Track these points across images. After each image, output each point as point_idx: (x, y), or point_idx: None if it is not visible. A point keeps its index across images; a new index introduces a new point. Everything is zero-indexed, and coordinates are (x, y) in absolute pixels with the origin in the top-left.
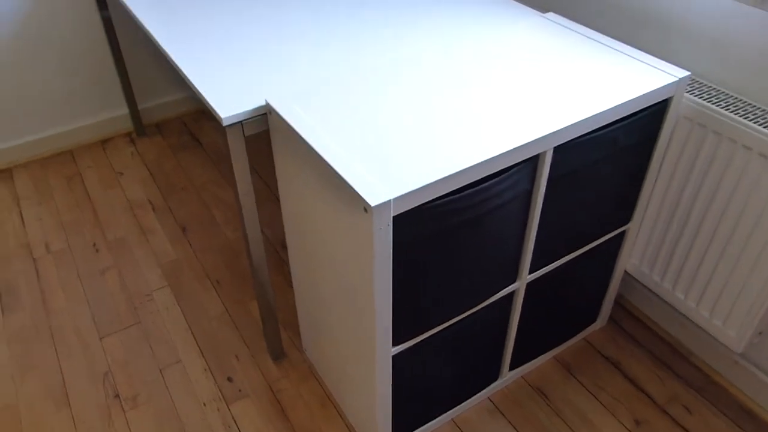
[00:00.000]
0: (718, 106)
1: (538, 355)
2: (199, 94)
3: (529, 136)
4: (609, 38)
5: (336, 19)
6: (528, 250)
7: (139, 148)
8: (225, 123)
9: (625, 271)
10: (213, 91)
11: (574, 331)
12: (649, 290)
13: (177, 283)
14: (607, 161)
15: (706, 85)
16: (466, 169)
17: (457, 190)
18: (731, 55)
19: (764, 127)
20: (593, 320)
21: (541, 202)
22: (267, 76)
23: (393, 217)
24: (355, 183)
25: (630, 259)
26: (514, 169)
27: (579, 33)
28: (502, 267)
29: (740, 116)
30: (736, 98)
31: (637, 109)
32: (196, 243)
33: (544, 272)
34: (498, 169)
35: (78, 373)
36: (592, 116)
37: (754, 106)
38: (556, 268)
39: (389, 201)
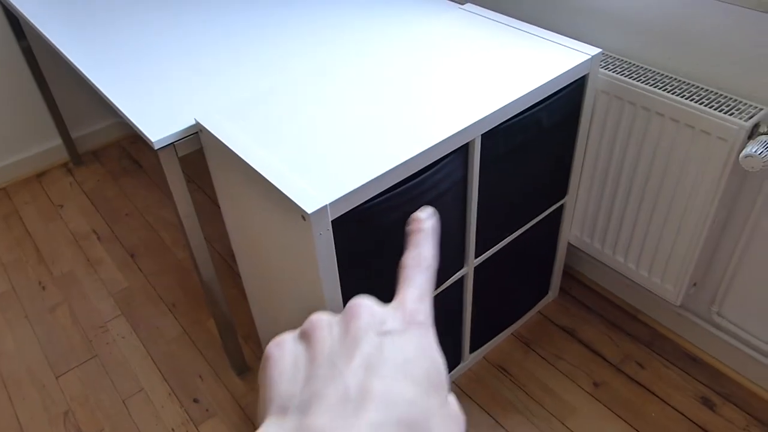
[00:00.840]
0: (630, 78)
1: (497, 334)
2: (127, 118)
3: (455, 127)
4: (526, 24)
5: (255, 29)
6: (471, 235)
7: (78, 178)
8: (156, 146)
9: (569, 243)
10: (140, 115)
11: (528, 305)
12: (593, 258)
13: (131, 310)
14: (535, 141)
15: (618, 59)
16: (397, 166)
17: (392, 186)
18: (637, 29)
19: (672, 94)
20: (545, 293)
21: (477, 188)
22: (194, 94)
23: (332, 221)
24: (290, 192)
25: (571, 231)
26: (446, 159)
27: (497, 21)
28: (448, 254)
29: (650, 85)
30: (645, 69)
31: (557, 89)
32: (146, 268)
33: (490, 254)
34: (429, 162)
35: (35, 416)
36: (514, 101)
37: (662, 74)
38: (501, 248)
39: (325, 206)
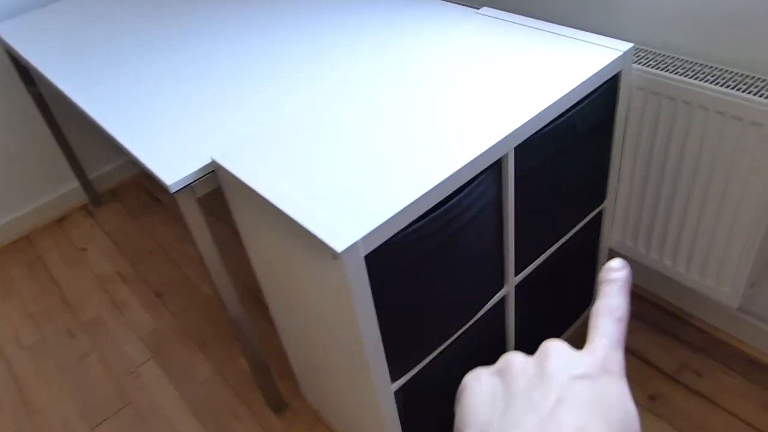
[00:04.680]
0: (666, 71)
1: None
2: (140, 162)
3: (487, 142)
4: (547, 23)
5: (265, 57)
6: (509, 253)
7: (98, 219)
8: (172, 189)
9: (611, 248)
10: (154, 156)
11: (573, 318)
12: (638, 262)
13: (161, 352)
14: (571, 148)
15: (651, 52)
16: (428, 191)
17: (424, 213)
18: (669, 16)
19: (715, 85)
20: (589, 303)
21: (513, 204)
22: (208, 130)
23: (364, 256)
24: (317, 230)
25: (612, 236)
26: (479, 178)
27: (517, 23)
28: (487, 276)
29: (690, 78)
30: (683, 60)
31: (590, 91)
32: (173, 307)
33: (530, 270)
34: (462, 183)
35: None
36: (546, 108)
37: (702, 65)
38: (542, 262)
39: (357, 243)
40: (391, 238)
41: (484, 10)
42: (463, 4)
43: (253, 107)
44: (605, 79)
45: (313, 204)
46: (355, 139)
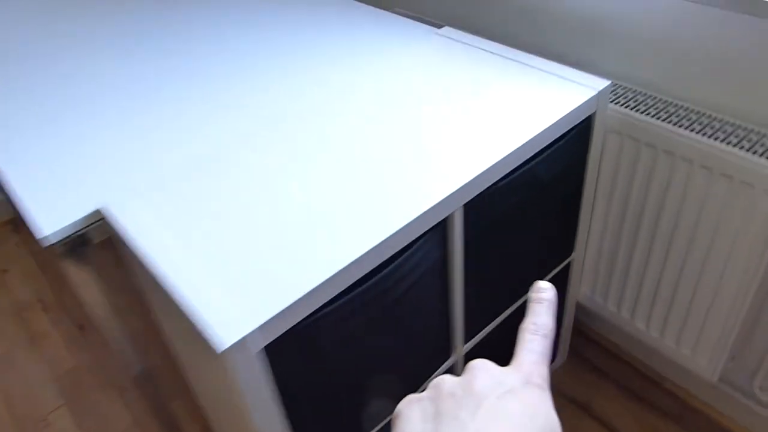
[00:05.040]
0: (647, 114)
1: None
2: (16, 202)
3: (428, 201)
4: (513, 50)
5: (179, 86)
6: (457, 320)
7: (24, 236)
8: (46, 243)
9: (579, 303)
10: (33, 199)
11: None
12: (607, 321)
13: (77, 397)
14: (534, 200)
15: (631, 90)
16: (353, 262)
17: (351, 286)
18: (654, 51)
19: (701, 135)
20: (552, 360)
21: (461, 268)
22: (103, 172)
23: (268, 345)
24: (200, 314)
25: (581, 290)
26: (419, 242)
27: (480, 48)
28: (431, 348)
29: (673, 124)
30: (666, 102)
31: (557, 136)
32: (96, 342)
33: (482, 336)
34: (395, 251)
35: None
36: (502, 159)
37: (688, 109)
38: (498, 325)
39: (244, 339)
40: (304, 320)
41: (446, 30)
42: (424, 21)
43: (163, 146)
44: (576, 122)
45: (205, 275)
46: (274, 191)
